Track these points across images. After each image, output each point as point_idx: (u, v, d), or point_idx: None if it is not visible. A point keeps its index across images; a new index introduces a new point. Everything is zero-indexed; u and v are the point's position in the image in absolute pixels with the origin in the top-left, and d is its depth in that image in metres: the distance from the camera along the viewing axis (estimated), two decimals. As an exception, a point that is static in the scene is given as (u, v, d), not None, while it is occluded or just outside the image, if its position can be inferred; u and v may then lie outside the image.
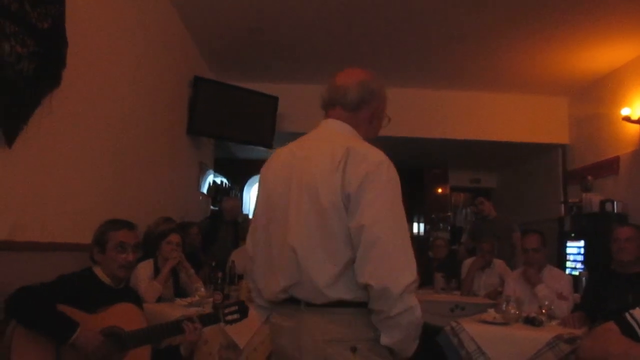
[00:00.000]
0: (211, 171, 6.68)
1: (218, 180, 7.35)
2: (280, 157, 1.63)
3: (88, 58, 3.01)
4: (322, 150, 1.50)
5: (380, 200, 1.39)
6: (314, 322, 1.44)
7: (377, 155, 1.45)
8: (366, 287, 1.37)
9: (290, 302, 1.50)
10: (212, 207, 6.72)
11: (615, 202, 5.39)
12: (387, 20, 4.76)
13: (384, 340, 1.40)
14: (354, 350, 1.35)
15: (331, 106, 1.63)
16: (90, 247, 2.35)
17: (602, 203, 5.50)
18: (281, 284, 1.49)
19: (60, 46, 2.69)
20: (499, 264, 4.69)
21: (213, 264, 4.02)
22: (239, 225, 5.82)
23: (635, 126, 5.30)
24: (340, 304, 1.42)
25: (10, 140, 2.33)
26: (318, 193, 1.43)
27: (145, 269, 3.25)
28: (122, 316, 2.15)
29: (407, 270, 1.36)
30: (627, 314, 1.37)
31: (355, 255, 1.39)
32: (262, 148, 6.25)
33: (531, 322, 2.96)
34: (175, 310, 2.88)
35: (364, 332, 1.42)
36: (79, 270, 2.31)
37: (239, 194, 8.98)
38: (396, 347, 1.43)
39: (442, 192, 9.53)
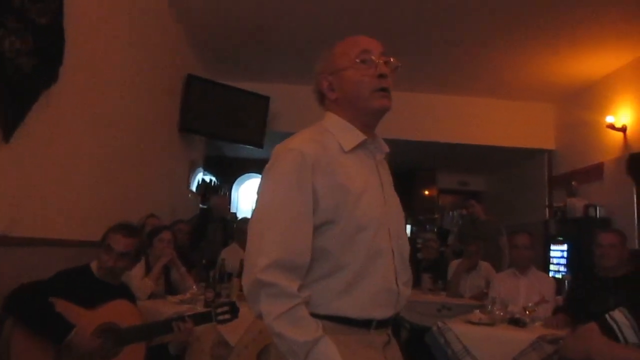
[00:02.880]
0: (201, 169, 6.70)
1: (207, 178, 7.36)
2: None
3: (83, 55, 3.03)
4: None
5: (260, 199, 1.30)
6: None
7: (275, 151, 1.32)
8: None
9: None
10: (201, 205, 6.74)
11: (598, 207, 5.51)
12: (379, 23, 4.81)
13: None
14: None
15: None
16: None
17: (586, 208, 5.62)
18: None
19: (58, 42, 2.71)
20: (484, 266, 4.77)
21: (203, 262, 4.05)
22: (228, 223, 5.85)
23: (618, 134, 5.43)
24: None
25: (7, 136, 2.35)
26: None
27: (136, 266, 3.27)
28: (118, 312, 2.18)
29: (249, 269, 1.22)
30: (607, 316, 1.43)
31: None
32: (252, 147, 6.29)
33: (516, 322, 3.03)
34: (167, 307, 2.91)
35: None
36: (75, 266, 2.34)
37: (227, 192, 8.99)
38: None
39: (429, 194, 9.61)
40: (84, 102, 3.10)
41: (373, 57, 1.37)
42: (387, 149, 1.47)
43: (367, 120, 1.40)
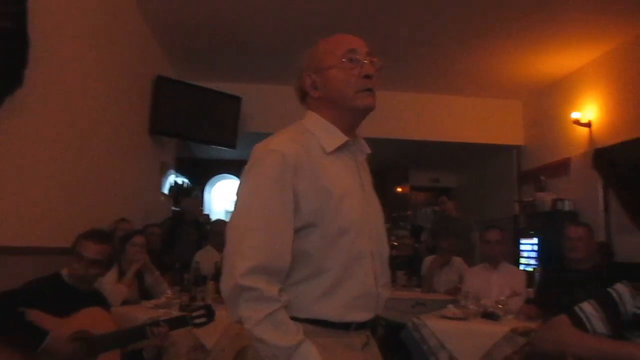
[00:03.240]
0: (172, 171, 6.62)
1: (179, 180, 7.28)
2: None
3: (50, 58, 2.96)
4: None
5: (239, 201, 1.26)
6: None
7: (255, 151, 1.28)
8: None
9: None
10: (173, 207, 6.66)
11: (566, 201, 5.65)
12: (349, 21, 4.83)
13: None
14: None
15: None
16: None
17: (554, 202, 5.75)
18: None
19: (22, 46, 2.64)
20: (457, 261, 4.84)
21: (177, 265, 4.01)
22: (201, 225, 5.79)
23: (584, 129, 5.57)
24: None
25: (-29, 142, 2.29)
26: None
27: (109, 271, 3.22)
28: (91, 320, 2.14)
29: (228, 273, 1.18)
30: (577, 308, 1.47)
31: None
32: (224, 148, 6.24)
33: (489, 316, 3.08)
34: (142, 313, 2.87)
35: None
36: (45, 274, 2.29)
37: (199, 194, 8.90)
38: None
39: (402, 191, 9.70)
40: (49, 106, 3.04)
41: (359, 57, 1.34)
42: (368, 149, 1.44)
43: (350, 119, 1.37)
